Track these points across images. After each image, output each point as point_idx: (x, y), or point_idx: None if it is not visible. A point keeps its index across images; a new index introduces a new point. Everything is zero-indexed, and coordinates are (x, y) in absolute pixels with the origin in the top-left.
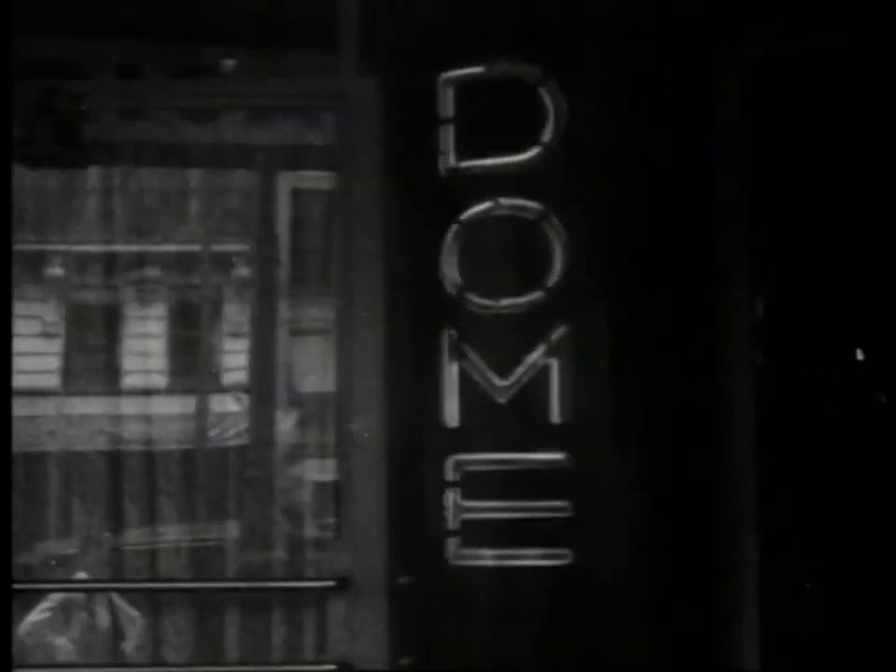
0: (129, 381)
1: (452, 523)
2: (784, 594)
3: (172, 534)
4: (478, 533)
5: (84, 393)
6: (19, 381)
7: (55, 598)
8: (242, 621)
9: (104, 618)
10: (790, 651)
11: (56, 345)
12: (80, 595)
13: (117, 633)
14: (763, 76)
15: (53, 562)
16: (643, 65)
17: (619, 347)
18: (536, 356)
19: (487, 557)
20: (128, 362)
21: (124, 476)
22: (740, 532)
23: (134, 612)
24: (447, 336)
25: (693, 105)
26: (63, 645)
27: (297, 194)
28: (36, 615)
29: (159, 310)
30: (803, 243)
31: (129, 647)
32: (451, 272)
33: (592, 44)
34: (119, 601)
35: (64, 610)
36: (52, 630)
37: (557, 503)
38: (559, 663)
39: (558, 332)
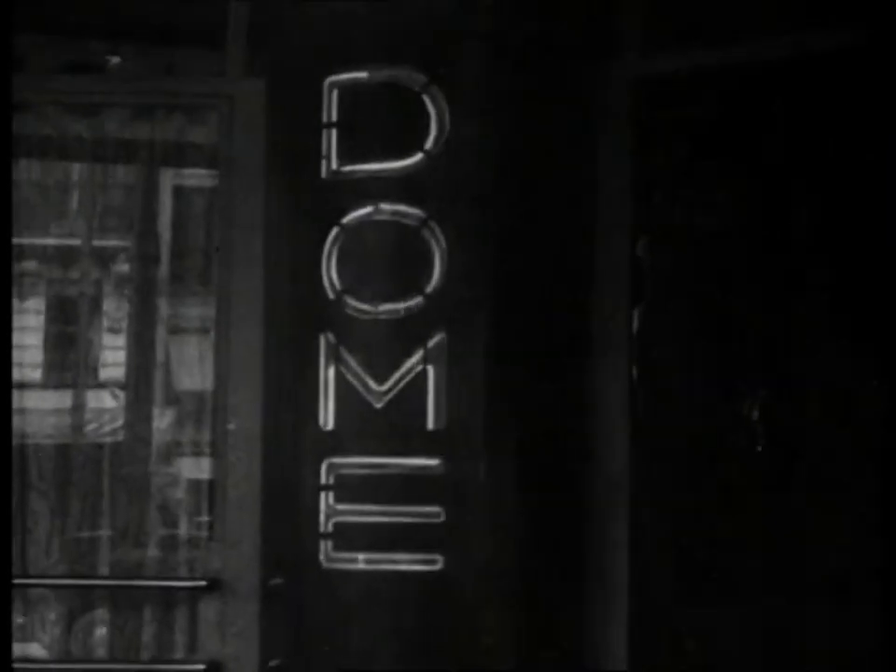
0: None
1: (325, 525)
2: (654, 598)
3: (43, 529)
4: (351, 536)
5: None
6: None
7: None
8: (112, 618)
9: None
10: (657, 654)
11: None
12: None
13: None
14: (648, 90)
15: None
16: (527, 75)
17: (496, 355)
18: (413, 362)
19: (359, 561)
20: None
21: None
22: (612, 538)
23: None
24: (325, 339)
25: (576, 116)
26: None
27: (179, 192)
28: None
29: (36, 303)
30: (680, 257)
31: None
32: (330, 275)
33: (475, 52)
34: None
35: None
36: None
37: (430, 509)
38: (430, 667)
39: (436, 339)
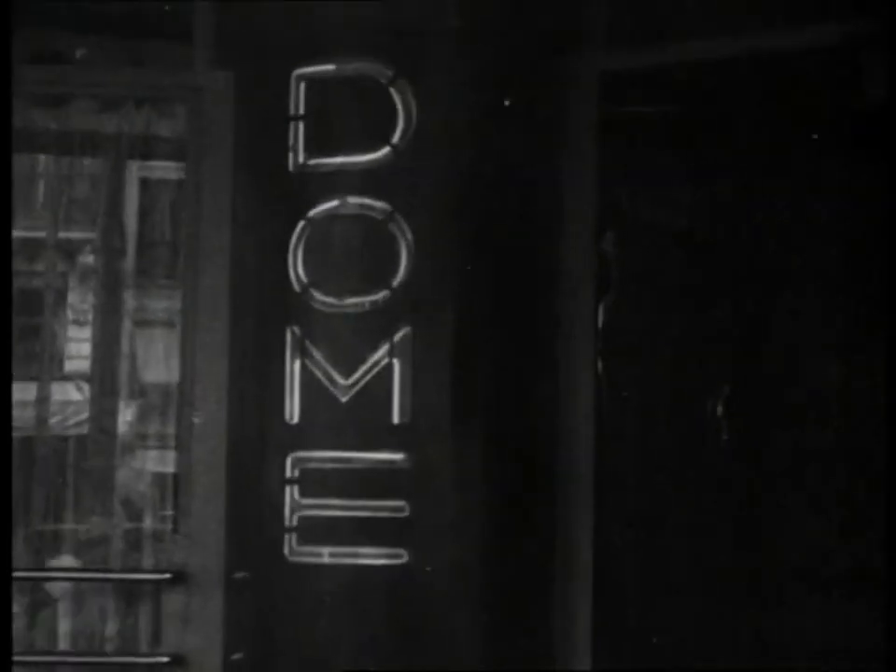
0: None
1: (290, 519)
2: (619, 590)
3: None
4: (316, 530)
5: None
6: None
7: None
8: (76, 611)
9: None
10: (621, 653)
11: None
12: None
13: None
14: (613, 86)
15: None
16: (494, 69)
17: (462, 349)
18: (379, 355)
19: (324, 555)
20: None
21: None
22: (577, 533)
23: None
24: (291, 332)
25: (542, 111)
26: None
27: (145, 184)
28: None
29: None
30: (645, 251)
31: None
32: (297, 268)
33: (444, 46)
34: None
35: None
36: None
37: (395, 503)
38: (394, 661)
39: (402, 333)
